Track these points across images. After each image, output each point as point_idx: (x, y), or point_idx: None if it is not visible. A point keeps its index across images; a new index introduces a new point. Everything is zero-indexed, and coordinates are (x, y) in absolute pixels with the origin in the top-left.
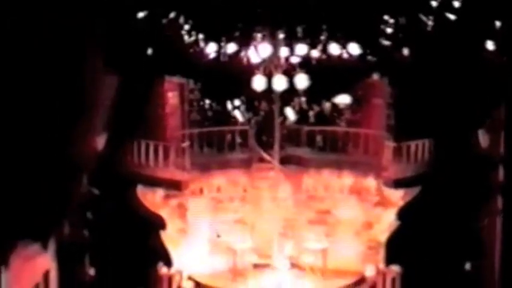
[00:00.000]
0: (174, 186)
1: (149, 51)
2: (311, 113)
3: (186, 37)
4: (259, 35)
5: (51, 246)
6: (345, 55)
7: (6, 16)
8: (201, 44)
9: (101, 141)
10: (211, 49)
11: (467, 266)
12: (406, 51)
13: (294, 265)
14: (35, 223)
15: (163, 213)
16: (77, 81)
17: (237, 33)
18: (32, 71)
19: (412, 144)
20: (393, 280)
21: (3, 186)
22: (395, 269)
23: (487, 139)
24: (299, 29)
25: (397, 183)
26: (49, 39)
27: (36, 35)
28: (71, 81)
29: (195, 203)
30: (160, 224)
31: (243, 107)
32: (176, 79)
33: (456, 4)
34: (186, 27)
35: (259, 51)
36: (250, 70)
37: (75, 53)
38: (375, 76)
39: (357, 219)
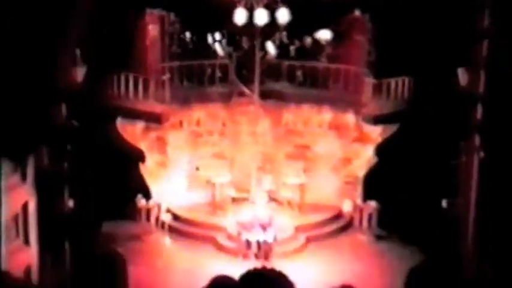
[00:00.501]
0: (154, 119)
1: None
2: (292, 48)
3: None
4: None
5: (30, 177)
6: None
7: None
8: None
9: (80, 73)
10: None
11: (444, 203)
12: None
13: (272, 199)
14: (13, 145)
15: (143, 146)
16: (56, 10)
17: None
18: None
19: (392, 81)
20: (370, 215)
21: None
22: (372, 204)
23: (467, 77)
24: None
25: (376, 120)
26: None
27: None
28: (51, 10)
29: (175, 136)
30: (139, 156)
31: (223, 41)
32: (157, 11)
33: None
34: None
35: None
36: (231, 3)
37: None
38: (357, 12)
39: (335, 154)
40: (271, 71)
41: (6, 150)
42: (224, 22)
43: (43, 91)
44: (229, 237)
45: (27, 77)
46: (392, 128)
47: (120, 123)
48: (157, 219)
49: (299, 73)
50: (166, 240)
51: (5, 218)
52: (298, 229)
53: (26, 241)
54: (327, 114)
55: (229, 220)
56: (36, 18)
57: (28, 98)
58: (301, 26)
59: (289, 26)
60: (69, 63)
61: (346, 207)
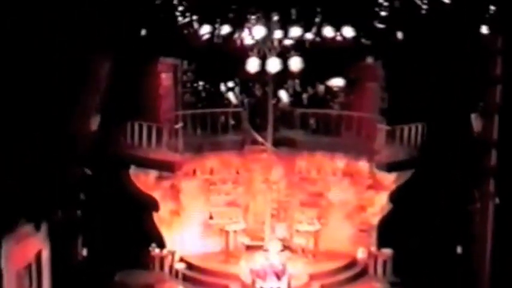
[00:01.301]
0: (167, 167)
1: (143, 32)
2: (304, 96)
3: (180, 18)
4: (253, 17)
5: (44, 226)
6: (339, 38)
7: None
8: (195, 25)
9: (94, 123)
10: (205, 30)
11: (459, 249)
12: (400, 35)
13: (286, 247)
14: (28, 204)
15: (156, 194)
16: (72, 62)
17: (231, 15)
18: (28, 51)
19: (405, 128)
20: (384, 263)
21: None
22: (386, 252)
23: (480, 123)
24: (293, 11)
25: (390, 167)
26: (48, 22)
27: (36, 19)
28: (67, 63)
29: (188, 185)
30: (153, 205)
31: (236, 89)
32: (170, 60)
33: None
34: (180, 8)
35: (253, 33)
36: (244, 52)
37: (72, 35)
38: (369, 59)
39: (349, 202)
40: (284, 119)
41: (23, 211)
42: (237, 70)
43: (59, 143)
44: (243, 285)
45: (43, 130)
46: (406, 175)
47: (133, 172)
48: (171, 267)
49: (312, 120)
50: None
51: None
52: (313, 277)
53: None
54: (340, 162)
55: (243, 268)
56: (53, 71)
57: (44, 151)
58: (313, 73)
59: (301, 74)
60: (84, 113)
61: (361, 254)
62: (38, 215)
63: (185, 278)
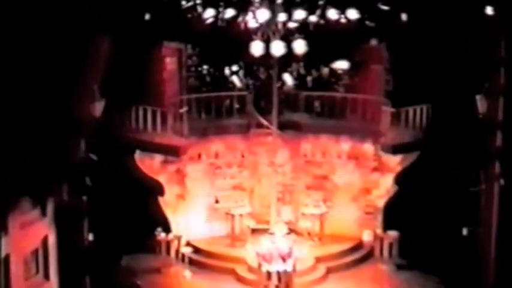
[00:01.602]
0: (172, 151)
1: (147, 16)
2: (309, 79)
3: (183, 2)
4: (256, 0)
5: (50, 212)
6: (343, 20)
7: None
8: (199, 9)
9: (99, 107)
10: (209, 14)
11: (464, 231)
12: (404, 16)
13: (292, 230)
14: (33, 185)
15: (162, 178)
16: (74, 45)
17: None
18: (32, 35)
19: (410, 110)
20: (390, 245)
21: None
22: (392, 234)
23: (485, 104)
24: None
25: (395, 149)
26: (48, 3)
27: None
28: (69, 46)
29: (193, 169)
30: (158, 189)
31: (241, 73)
32: (174, 45)
33: None
34: None
35: (257, 16)
36: (248, 35)
37: (74, 19)
38: (373, 41)
39: (355, 184)
40: (289, 102)
41: (27, 190)
42: (241, 54)
43: (62, 127)
44: (250, 268)
45: (46, 113)
46: (411, 157)
47: (138, 156)
48: (177, 252)
49: (317, 103)
50: (187, 273)
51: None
52: (319, 260)
53: (46, 276)
54: (345, 145)
55: (249, 252)
56: (54, 53)
57: (48, 135)
58: (318, 56)
59: (306, 57)
60: (88, 97)
61: (367, 237)
62: (43, 197)
63: (191, 262)
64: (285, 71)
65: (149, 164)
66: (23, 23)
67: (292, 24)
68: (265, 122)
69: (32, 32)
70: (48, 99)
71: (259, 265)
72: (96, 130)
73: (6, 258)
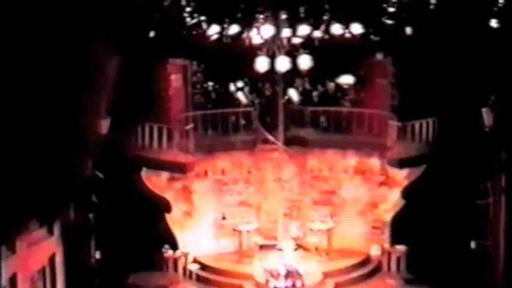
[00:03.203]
0: (179, 168)
1: (152, 33)
2: (315, 94)
3: (188, 19)
4: (261, 16)
5: (57, 230)
6: (348, 35)
7: None
8: (204, 25)
9: (105, 125)
10: (213, 31)
11: (473, 244)
12: (409, 30)
13: (300, 246)
14: (41, 207)
15: (168, 196)
16: (81, 63)
17: (239, 15)
18: (37, 52)
19: (416, 124)
20: (398, 259)
21: (9, 171)
22: (400, 248)
23: (491, 117)
24: (301, 10)
25: (402, 163)
26: (55, 21)
27: (44, 16)
28: (76, 63)
29: (200, 186)
30: (165, 206)
31: (246, 89)
32: (179, 61)
33: None
34: (188, 9)
35: (261, 32)
36: (252, 51)
37: (80, 36)
38: (378, 56)
39: (362, 199)
40: (295, 117)
41: (34, 211)
42: (246, 70)
43: (69, 145)
44: (257, 285)
45: (53, 132)
46: (418, 171)
47: (145, 173)
48: (184, 268)
49: (323, 118)
50: None
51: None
52: (327, 275)
53: None
54: (351, 159)
55: (257, 268)
56: (61, 69)
57: (54, 153)
58: (323, 71)
59: (311, 72)
60: (94, 115)
61: (374, 251)
62: (51, 219)
63: (199, 279)
64: (291, 86)
65: (156, 181)
66: (27, 37)
67: (296, 40)
68: (271, 138)
69: (37, 47)
70: (55, 117)
71: (267, 281)
72: (103, 148)
73: (13, 277)
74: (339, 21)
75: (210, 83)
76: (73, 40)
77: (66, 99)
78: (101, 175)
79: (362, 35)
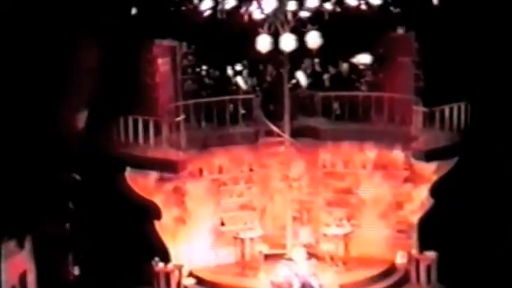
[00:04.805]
0: (169, 167)
1: (134, 10)
2: (326, 77)
3: None
4: None
5: (28, 243)
6: (364, 6)
7: None
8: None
9: (81, 119)
10: (206, 5)
11: None
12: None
13: (312, 254)
14: (9, 217)
15: (157, 199)
16: (54, 49)
17: None
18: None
19: (446, 109)
20: (428, 268)
21: None
22: (430, 255)
23: None
24: None
25: (429, 155)
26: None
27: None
28: (48, 49)
29: (194, 187)
30: (154, 212)
31: (245, 73)
32: (167, 42)
33: None
34: None
35: (262, 6)
36: (252, 29)
37: (55, 20)
38: (400, 30)
39: (384, 198)
40: (303, 105)
41: (6, 230)
42: (245, 51)
43: (41, 142)
44: None
45: (24, 126)
46: (448, 164)
47: (129, 174)
48: (178, 284)
49: (336, 105)
50: None
51: None
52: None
53: None
54: (370, 152)
55: (263, 281)
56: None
57: (24, 150)
58: (335, 50)
59: (321, 51)
60: (69, 107)
61: (400, 259)
62: (20, 230)
63: None
64: (298, 68)
65: (142, 183)
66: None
67: (304, 14)
68: (276, 129)
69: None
70: (25, 113)
71: None
72: (79, 145)
73: None
74: None
75: (204, 67)
76: (45, 22)
77: (38, 92)
78: (78, 177)
79: (380, 6)
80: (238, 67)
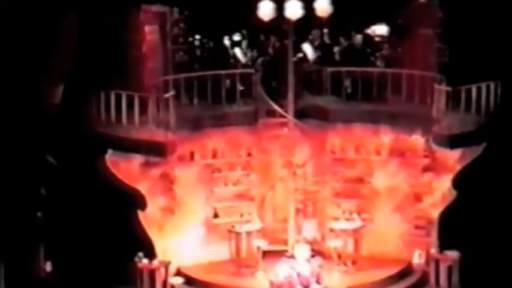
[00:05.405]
0: (156, 150)
1: None
2: (336, 50)
3: None
4: None
5: None
6: None
7: None
8: None
9: (57, 94)
10: None
11: None
12: None
13: (317, 252)
14: None
15: (142, 187)
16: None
17: None
18: None
19: (473, 88)
20: (449, 269)
21: None
22: (452, 254)
23: None
24: None
25: (453, 141)
26: None
27: None
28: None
29: (184, 173)
30: (138, 201)
31: (244, 44)
32: (155, 8)
33: None
34: None
35: None
36: None
37: None
38: None
39: (400, 189)
40: (310, 81)
41: None
42: (244, 18)
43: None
44: None
45: None
46: (475, 151)
47: (110, 157)
48: (164, 283)
49: (347, 82)
50: None
51: None
52: None
53: None
54: (386, 136)
55: (261, 281)
56: None
57: None
58: (347, 19)
59: (331, 21)
60: (42, 80)
61: (417, 259)
62: None
63: None
64: (304, 40)
65: (125, 168)
66: None
67: None
68: (278, 109)
69: None
70: None
71: None
72: (53, 123)
73: None
74: None
75: (197, 36)
76: None
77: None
78: (52, 160)
79: None
80: (237, 37)
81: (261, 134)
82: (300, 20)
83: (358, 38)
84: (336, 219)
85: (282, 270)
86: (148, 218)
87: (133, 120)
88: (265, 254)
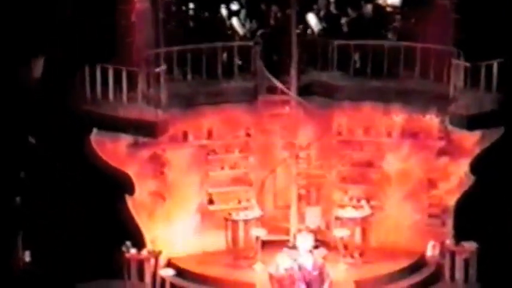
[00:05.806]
0: (145, 130)
1: None
2: (344, 21)
3: None
4: None
5: None
6: None
7: None
8: None
9: (37, 68)
10: None
11: None
12: None
13: (322, 242)
14: None
15: (131, 170)
16: None
17: None
18: None
19: (494, 64)
20: (466, 262)
21: None
22: (469, 246)
23: None
24: None
25: (472, 122)
26: None
27: None
28: None
29: (176, 155)
30: (125, 185)
31: (243, 13)
32: None
33: None
34: None
35: None
36: None
37: None
38: None
39: (413, 174)
40: (315, 55)
41: None
42: None
43: None
44: None
45: None
46: (495, 133)
47: (95, 137)
48: (154, 275)
49: (355, 56)
50: None
51: None
52: (360, 284)
53: None
54: (397, 116)
55: (260, 274)
56: None
57: None
58: None
59: None
60: (21, 52)
61: (431, 251)
62: None
63: None
64: (309, 10)
65: (112, 149)
66: None
67: None
68: (280, 85)
69: None
70: None
71: None
72: (33, 100)
73: None
74: None
75: (191, 6)
76: None
77: None
78: (32, 140)
79: None
80: (234, 6)
81: (261, 112)
82: None
83: (368, 8)
84: (343, 206)
85: (282, 261)
86: (137, 204)
87: (121, 96)
88: (265, 244)
